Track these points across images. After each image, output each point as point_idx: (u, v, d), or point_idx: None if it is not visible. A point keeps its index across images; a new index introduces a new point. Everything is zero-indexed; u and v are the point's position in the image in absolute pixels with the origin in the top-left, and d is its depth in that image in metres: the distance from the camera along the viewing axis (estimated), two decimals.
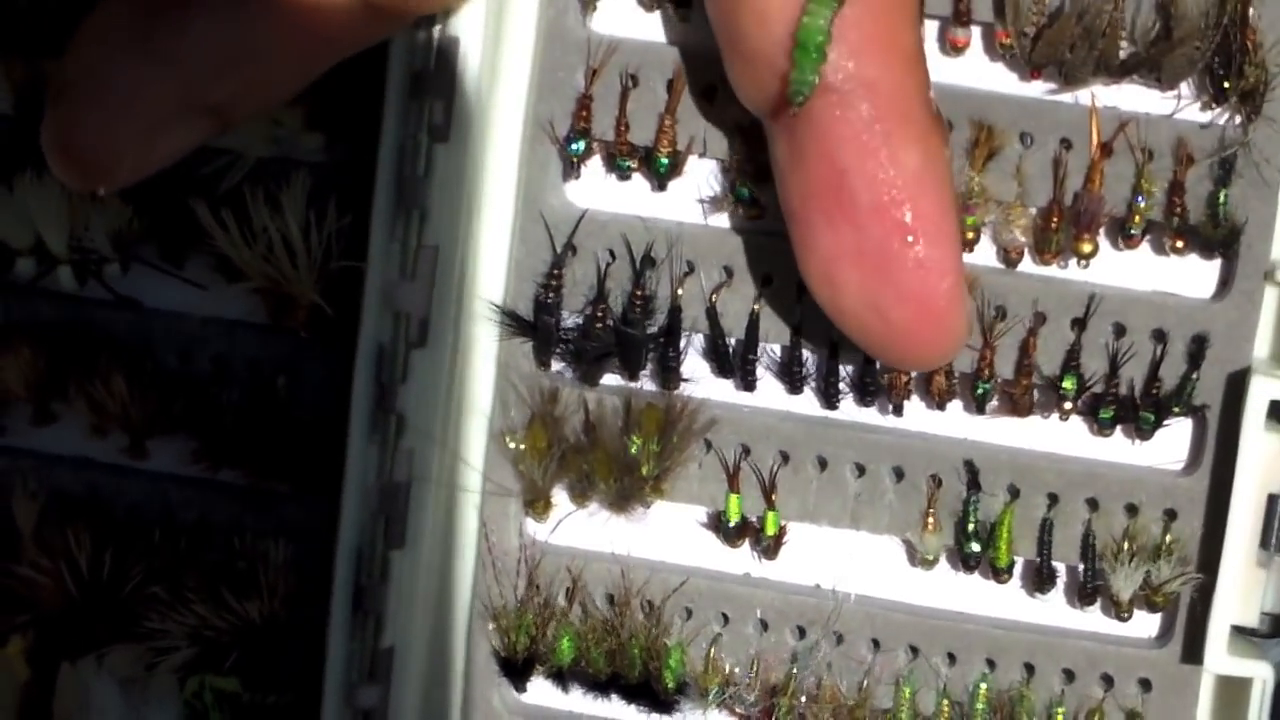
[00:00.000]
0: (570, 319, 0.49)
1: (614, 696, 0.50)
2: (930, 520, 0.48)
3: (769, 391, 0.49)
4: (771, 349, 0.49)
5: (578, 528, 0.50)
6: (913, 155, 0.41)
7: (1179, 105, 0.46)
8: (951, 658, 0.49)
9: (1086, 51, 0.45)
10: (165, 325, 0.51)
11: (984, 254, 0.48)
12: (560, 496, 0.50)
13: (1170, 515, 0.48)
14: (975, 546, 0.48)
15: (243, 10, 0.42)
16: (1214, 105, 0.46)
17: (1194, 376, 0.47)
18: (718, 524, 0.49)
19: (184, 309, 0.52)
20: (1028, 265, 0.47)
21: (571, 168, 0.48)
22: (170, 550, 0.52)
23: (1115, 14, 0.45)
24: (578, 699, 0.51)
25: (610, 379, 0.49)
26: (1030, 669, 0.49)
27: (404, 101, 0.46)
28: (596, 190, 0.49)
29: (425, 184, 0.47)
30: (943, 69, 0.46)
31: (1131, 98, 0.46)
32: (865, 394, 0.48)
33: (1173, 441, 0.48)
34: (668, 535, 0.50)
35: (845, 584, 0.49)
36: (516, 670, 0.50)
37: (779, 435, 0.49)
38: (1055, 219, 0.46)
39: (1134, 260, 0.47)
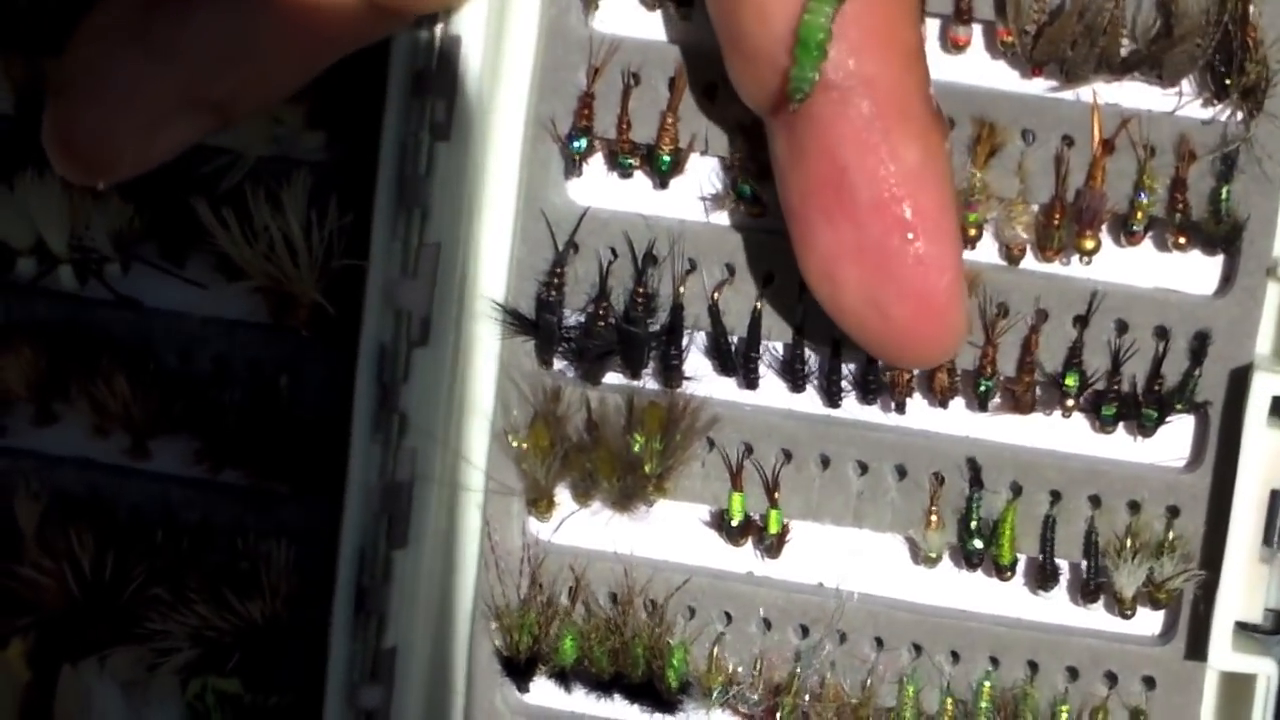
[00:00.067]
0: (572, 317, 0.49)
1: (617, 696, 0.50)
2: (933, 518, 0.48)
3: (771, 389, 0.49)
4: (774, 347, 0.49)
5: (580, 527, 0.50)
6: (912, 152, 0.41)
7: (1180, 102, 0.46)
8: (955, 656, 0.49)
9: (1088, 49, 0.45)
10: (166, 325, 0.51)
11: (986, 251, 0.48)
12: (563, 495, 0.50)
13: (1173, 512, 0.47)
14: (978, 544, 0.48)
15: (243, 6, 0.42)
16: (1215, 102, 0.46)
17: (1196, 373, 0.47)
18: (720, 523, 0.49)
19: (185, 308, 0.51)
20: (1030, 262, 0.47)
21: (573, 166, 0.48)
22: (172, 551, 0.52)
23: (1116, 11, 0.45)
24: (580, 699, 0.51)
25: (612, 377, 0.49)
26: (1034, 667, 0.49)
27: (405, 99, 0.46)
28: (598, 188, 0.49)
29: (427, 182, 0.47)
30: (944, 67, 0.46)
31: (1133, 95, 0.46)
32: (867, 392, 0.48)
33: (1175, 438, 0.48)
34: (670, 534, 0.50)
35: (848, 582, 0.49)
36: (519, 670, 0.50)
37: (781, 433, 0.49)
38: (1057, 216, 0.46)
39: (1136, 257, 0.47)
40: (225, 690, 0.51)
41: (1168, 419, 0.47)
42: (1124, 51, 0.45)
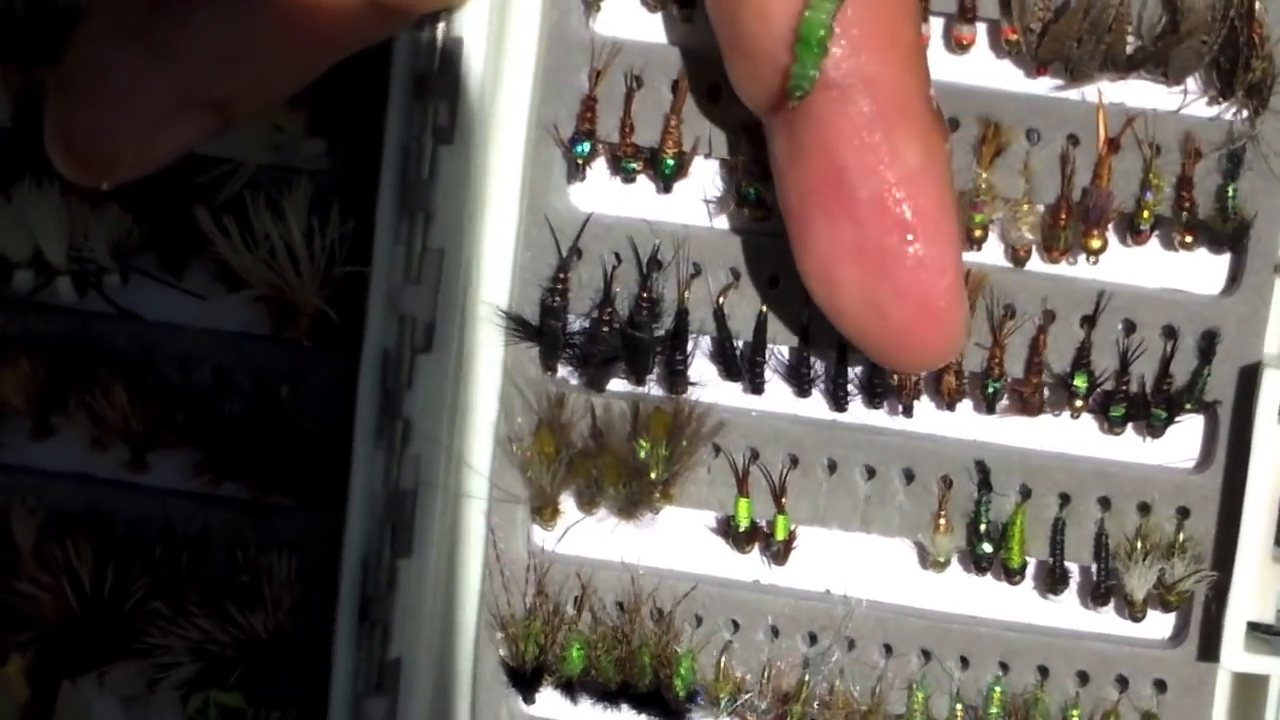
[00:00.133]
0: (576, 323, 0.48)
1: (624, 706, 0.50)
2: (941, 522, 0.48)
3: (777, 394, 0.49)
4: (779, 351, 0.48)
5: (586, 535, 0.50)
6: (913, 152, 0.41)
7: (1186, 100, 0.46)
8: (964, 661, 0.49)
9: (1093, 46, 0.45)
10: (166, 336, 0.51)
11: (992, 252, 0.47)
12: (568, 503, 0.49)
13: (1183, 513, 0.47)
14: (987, 547, 0.48)
15: (243, 5, 0.42)
16: (1221, 99, 0.46)
17: (1205, 372, 0.46)
18: (727, 529, 0.49)
19: (184, 320, 0.51)
20: (1036, 263, 0.47)
21: (576, 170, 0.48)
22: (172, 564, 0.51)
23: (1121, 8, 0.45)
24: (587, 709, 0.50)
25: (617, 384, 0.49)
26: (1044, 671, 0.48)
27: (408, 103, 0.46)
28: (601, 193, 0.49)
29: (430, 186, 0.46)
30: (949, 66, 0.46)
31: (1138, 93, 0.46)
32: (874, 395, 0.48)
33: (1185, 439, 0.48)
34: (677, 541, 0.50)
35: (856, 588, 0.49)
36: (525, 680, 0.50)
37: (788, 438, 0.48)
38: (1063, 215, 0.46)
39: (1143, 256, 0.47)
40: (227, 704, 0.50)
41: (1177, 419, 0.47)
42: (1129, 49, 0.45)
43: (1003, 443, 0.48)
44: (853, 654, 0.49)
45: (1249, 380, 0.46)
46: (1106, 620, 0.49)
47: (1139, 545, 0.47)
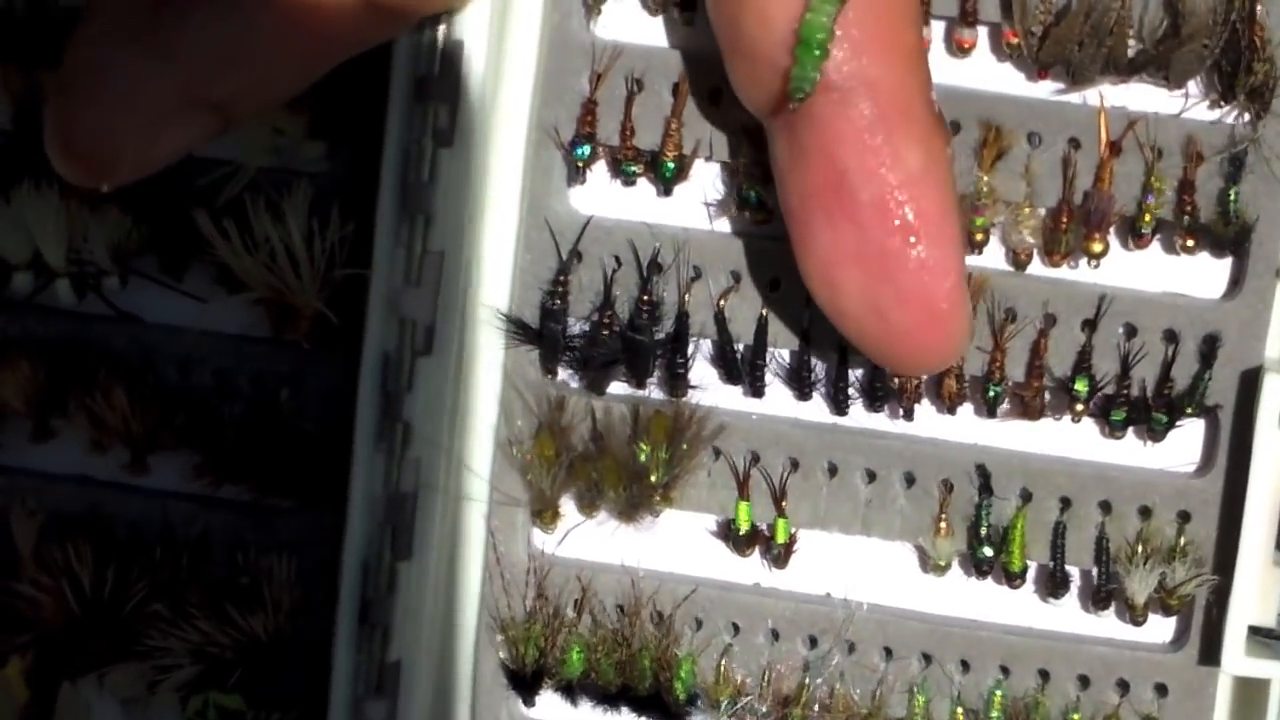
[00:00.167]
0: (576, 326, 0.48)
1: (624, 709, 0.50)
2: (942, 525, 0.48)
3: (778, 397, 0.49)
4: (780, 354, 0.48)
5: (586, 538, 0.49)
6: (914, 155, 0.41)
7: (1187, 103, 0.46)
8: (965, 665, 0.49)
9: (1094, 49, 0.45)
10: (166, 338, 0.51)
11: (993, 256, 0.47)
12: (568, 506, 0.49)
13: (1184, 517, 0.47)
14: (988, 551, 0.48)
15: (243, 6, 0.41)
16: (1223, 103, 0.45)
17: (1206, 376, 0.46)
18: (728, 532, 0.49)
19: (184, 322, 0.51)
20: (1037, 267, 0.47)
21: (577, 173, 0.48)
22: (172, 566, 0.51)
23: (1122, 12, 0.44)
24: (587, 712, 0.50)
25: (618, 386, 0.49)
26: (1045, 675, 0.48)
27: (408, 105, 0.46)
28: (602, 196, 0.48)
29: (430, 189, 0.46)
30: (950, 70, 0.46)
31: (1140, 97, 0.46)
32: (875, 399, 0.48)
33: (1186, 443, 0.48)
34: (677, 544, 0.50)
35: (857, 592, 0.49)
36: (525, 683, 0.50)
37: (788, 442, 0.48)
38: (1065, 219, 0.46)
39: (1144, 260, 0.47)
40: (227, 706, 0.50)
41: (1178, 423, 0.47)
42: (1131, 52, 0.45)
43: (1003, 446, 0.48)
44: (853, 657, 0.49)
45: (1250, 384, 0.46)
46: (1107, 624, 0.48)
47: (1140, 549, 0.47)
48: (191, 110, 0.42)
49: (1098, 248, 0.46)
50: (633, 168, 0.48)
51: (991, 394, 0.47)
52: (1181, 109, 0.46)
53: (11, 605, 0.51)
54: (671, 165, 0.47)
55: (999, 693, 0.48)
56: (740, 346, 0.48)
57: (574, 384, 0.49)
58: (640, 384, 0.48)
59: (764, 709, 0.49)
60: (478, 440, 0.49)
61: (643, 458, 0.48)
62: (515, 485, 0.49)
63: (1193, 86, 0.46)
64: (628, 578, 0.49)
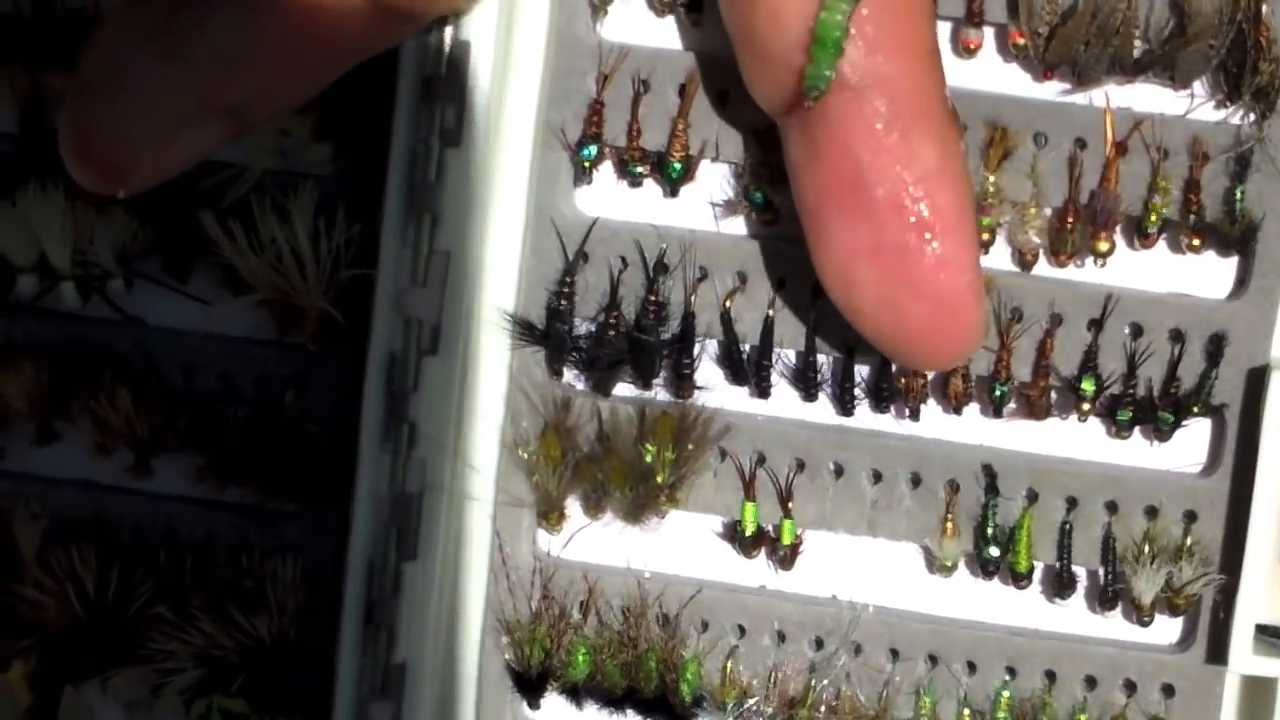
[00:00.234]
0: (582, 326, 0.48)
1: (629, 711, 0.50)
2: (948, 526, 0.48)
3: (784, 398, 0.49)
4: (786, 355, 0.48)
5: (592, 539, 0.49)
6: (930, 151, 0.41)
7: (1193, 103, 0.46)
8: (971, 666, 0.49)
9: (1100, 50, 0.45)
10: (170, 341, 0.51)
11: (999, 256, 0.47)
12: (574, 508, 0.49)
13: (1190, 517, 0.47)
14: (994, 551, 0.48)
15: (259, 9, 0.42)
16: (1228, 103, 0.46)
17: (1213, 376, 0.46)
18: (733, 534, 0.49)
19: (189, 325, 0.51)
20: (1044, 266, 0.47)
21: (583, 173, 0.48)
22: (176, 570, 0.51)
23: (1128, 12, 0.45)
24: (592, 715, 0.50)
25: (623, 387, 0.49)
26: (1051, 676, 0.48)
27: (416, 105, 0.46)
28: (608, 197, 0.49)
29: (437, 189, 0.46)
30: (956, 71, 0.46)
31: (1146, 96, 0.46)
32: (881, 399, 0.48)
33: (1192, 442, 0.48)
34: (683, 546, 0.50)
35: (863, 593, 0.49)
36: (530, 685, 0.49)
37: (794, 442, 0.48)
38: (1070, 219, 0.46)
39: (1150, 260, 0.47)
40: (231, 709, 0.50)
41: (1184, 423, 0.47)
42: (1137, 52, 0.45)
43: (1010, 447, 0.48)
44: (859, 659, 0.49)
45: (1257, 383, 0.46)
46: (1114, 624, 0.48)
47: (1146, 549, 0.47)
48: (208, 114, 0.42)
49: (1104, 247, 0.46)
50: (639, 168, 0.48)
51: (998, 394, 0.47)
52: (1187, 109, 0.46)
53: (14, 609, 0.51)
54: (678, 166, 0.47)
55: (1006, 694, 0.48)
56: (746, 347, 0.48)
57: (580, 385, 0.49)
58: (646, 385, 0.48)
59: (770, 711, 0.49)
60: (483, 441, 0.49)
61: (648, 458, 0.48)
62: (521, 486, 0.49)
63: (1198, 86, 0.46)
64: (633, 579, 0.49)
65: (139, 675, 0.51)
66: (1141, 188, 0.46)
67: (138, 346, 0.51)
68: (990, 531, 0.48)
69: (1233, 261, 0.47)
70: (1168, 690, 0.48)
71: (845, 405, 0.48)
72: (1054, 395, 0.47)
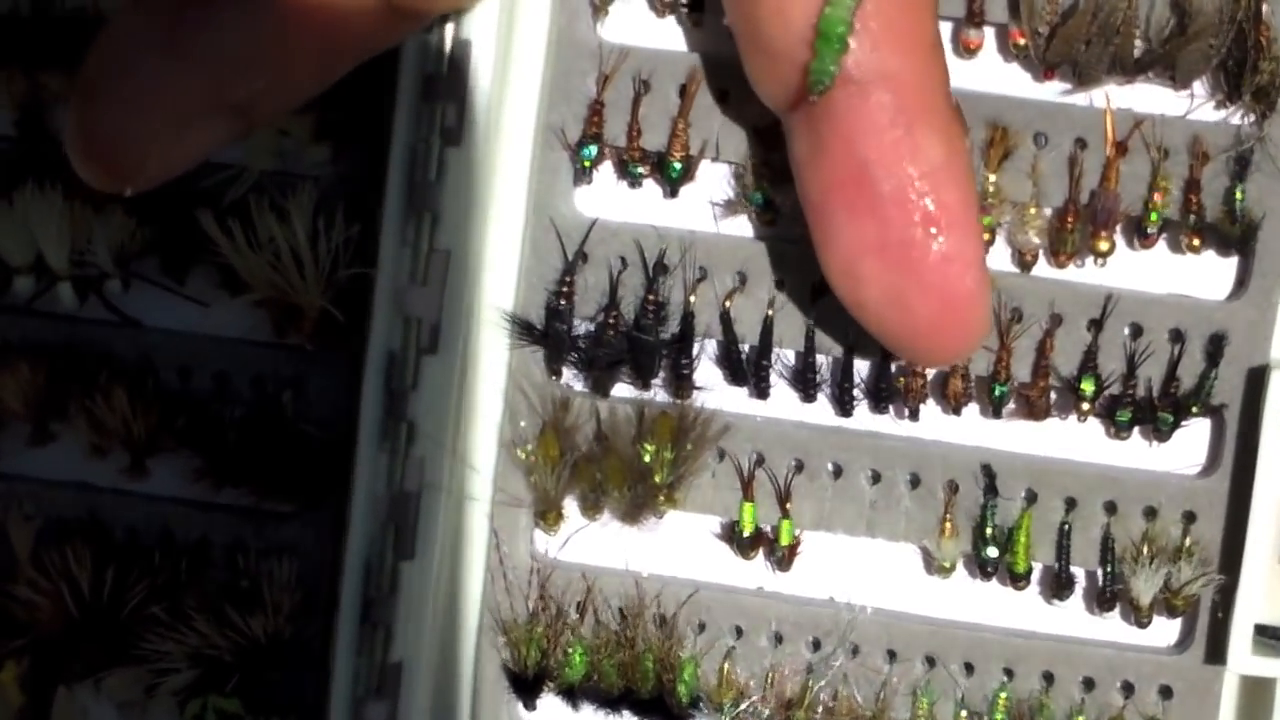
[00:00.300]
0: (582, 326, 0.48)
1: (626, 712, 0.50)
2: (947, 526, 0.48)
3: (783, 398, 0.49)
4: (785, 355, 0.48)
5: (589, 539, 0.49)
6: (935, 146, 0.41)
7: (1194, 103, 0.46)
8: (969, 667, 0.48)
9: (1101, 49, 0.45)
10: (167, 341, 0.51)
11: (999, 256, 0.47)
12: (572, 508, 0.49)
13: (1189, 517, 0.47)
14: (992, 552, 0.48)
15: (265, 9, 0.42)
16: (1228, 103, 0.46)
17: (1212, 376, 0.46)
18: (731, 534, 0.49)
19: (186, 325, 0.51)
20: (1043, 266, 0.47)
21: (583, 173, 0.48)
22: (172, 570, 0.51)
23: (1129, 11, 0.45)
24: (589, 715, 0.50)
25: (622, 387, 0.49)
26: (1049, 677, 0.48)
27: (416, 104, 0.46)
28: (608, 197, 0.49)
29: (437, 188, 0.46)
30: (957, 71, 0.46)
31: (1146, 96, 0.46)
32: (880, 399, 0.48)
33: (1191, 443, 0.48)
34: (681, 546, 0.49)
35: (861, 594, 0.49)
36: (526, 686, 0.49)
37: (793, 442, 0.48)
38: (1071, 219, 0.46)
39: (1150, 260, 0.47)
40: (226, 710, 0.50)
41: (1183, 423, 0.47)
42: (1137, 52, 0.45)
43: (1008, 447, 0.48)
44: (857, 660, 0.49)
45: (1256, 384, 0.46)
46: (1112, 625, 0.48)
47: (1145, 550, 0.47)
48: (214, 113, 0.42)
49: (1104, 247, 0.46)
50: (639, 169, 0.48)
51: (997, 394, 0.47)
52: (1187, 109, 0.46)
53: (8, 609, 0.51)
54: (678, 166, 0.47)
55: (1003, 695, 0.48)
56: (745, 347, 0.48)
57: (579, 384, 0.49)
58: (645, 385, 0.48)
59: (767, 712, 0.49)
60: (482, 440, 0.49)
61: (647, 458, 0.48)
62: (519, 485, 0.49)
63: (1199, 86, 0.46)
64: (631, 579, 0.49)
65: (133, 675, 0.50)
66: (1141, 188, 0.46)
67: (134, 347, 0.51)
68: (989, 532, 0.48)
69: (1233, 261, 0.47)
70: (1165, 692, 0.48)
71: (844, 405, 0.48)
72: (1053, 395, 0.47)
